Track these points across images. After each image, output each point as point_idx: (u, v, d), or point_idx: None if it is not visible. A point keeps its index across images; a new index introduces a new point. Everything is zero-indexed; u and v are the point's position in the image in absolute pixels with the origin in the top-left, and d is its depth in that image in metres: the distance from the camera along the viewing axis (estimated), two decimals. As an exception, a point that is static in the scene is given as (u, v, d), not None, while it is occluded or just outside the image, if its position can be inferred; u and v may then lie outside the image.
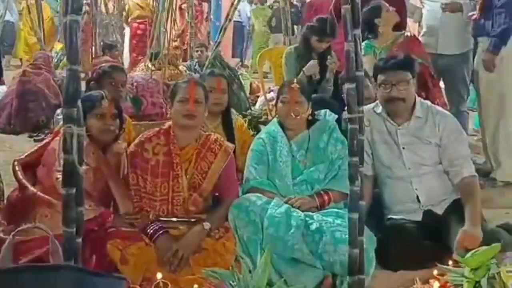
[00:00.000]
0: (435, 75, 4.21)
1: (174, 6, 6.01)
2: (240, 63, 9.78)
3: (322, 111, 3.22)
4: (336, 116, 3.18)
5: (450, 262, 2.38)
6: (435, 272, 2.34)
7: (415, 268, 2.66)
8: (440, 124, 2.91)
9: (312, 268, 2.54)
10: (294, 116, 2.95)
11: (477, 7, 4.25)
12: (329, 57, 4.15)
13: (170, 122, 2.89)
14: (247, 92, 6.99)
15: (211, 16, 9.07)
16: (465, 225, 2.66)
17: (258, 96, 7.02)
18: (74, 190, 1.62)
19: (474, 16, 4.26)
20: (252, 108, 6.02)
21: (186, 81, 2.89)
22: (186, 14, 8.45)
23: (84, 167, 2.51)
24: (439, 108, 3.07)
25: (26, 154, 2.73)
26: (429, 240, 2.81)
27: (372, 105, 3.08)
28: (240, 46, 11.12)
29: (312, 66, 4.06)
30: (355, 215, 2.02)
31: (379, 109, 3.02)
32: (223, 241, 2.61)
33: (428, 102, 3.06)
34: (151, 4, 8.40)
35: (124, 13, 9.31)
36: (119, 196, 2.68)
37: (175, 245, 2.56)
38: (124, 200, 2.69)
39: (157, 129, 2.91)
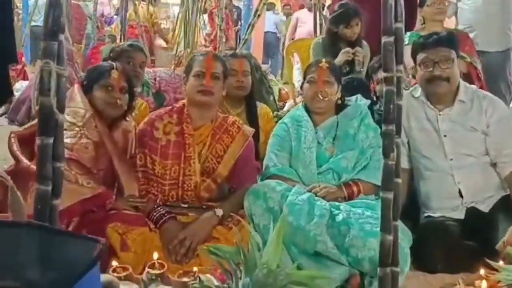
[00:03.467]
0: (483, 77, 3.86)
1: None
2: (270, 70, 9.54)
3: (354, 96, 2.91)
4: (369, 102, 2.87)
5: (501, 262, 2.03)
6: (482, 271, 1.99)
7: (455, 271, 2.32)
8: (487, 109, 2.57)
9: (337, 264, 2.21)
10: (321, 97, 2.65)
11: None
12: (357, 48, 3.84)
13: (184, 100, 2.63)
14: (276, 98, 6.77)
15: (241, 21, 8.89)
16: (515, 224, 2.31)
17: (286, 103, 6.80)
18: (51, 141, 1.35)
19: None
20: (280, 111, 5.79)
21: (203, 53, 2.63)
22: (216, 18, 8.31)
23: (84, 140, 2.34)
24: (486, 92, 2.72)
25: (24, 127, 2.50)
26: (472, 241, 2.46)
27: (410, 89, 2.76)
28: (274, 57, 10.91)
29: (343, 54, 3.74)
30: (389, 195, 1.69)
31: (418, 93, 2.69)
32: (237, 230, 2.31)
33: (474, 86, 2.72)
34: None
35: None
36: (124, 177, 2.42)
37: (182, 233, 2.29)
38: (129, 181, 2.42)
39: (170, 107, 2.65)
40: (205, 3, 5.66)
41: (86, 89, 2.46)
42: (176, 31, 5.68)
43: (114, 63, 2.54)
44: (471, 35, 4.20)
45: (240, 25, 8.87)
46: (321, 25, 6.06)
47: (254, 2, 9.13)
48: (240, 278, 1.39)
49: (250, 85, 3.12)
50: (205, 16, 8.60)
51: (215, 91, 2.51)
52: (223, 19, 8.22)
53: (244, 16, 8.62)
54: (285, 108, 6.18)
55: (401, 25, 1.67)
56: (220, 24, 7.95)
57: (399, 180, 1.75)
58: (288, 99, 6.75)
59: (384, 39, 1.66)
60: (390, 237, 1.71)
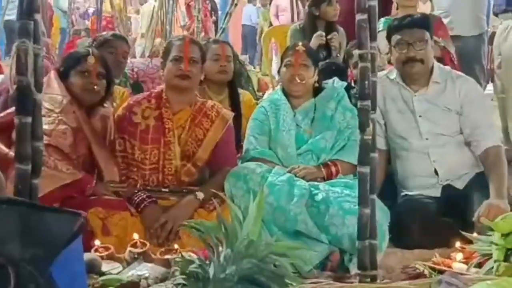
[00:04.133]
0: (457, 62, 3.91)
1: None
2: (249, 60, 9.57)
3: (330, 80, 2.95)
4: (346, 84, 2.91)
5: (475, 234, 2.08)
6: (457, 244, 2.04)
7: (433, 247, 2.37)
8: (461, 89, 2.62)
9: (317, 243, 2.25)
10: (298, 80, 2.68)
11: None
12: (333, 33, 3.88)
13: (162, 86, 2.63)
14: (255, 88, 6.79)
15: (217, 13, 8.92)
16: (490, 198, 2.37)
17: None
18: (29, 120, 1.35)
19: None
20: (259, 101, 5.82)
21: (180, 38, 2.64)
22: (193, 10, 8.27)
23: (62, 126, 2.34)
24: (460, 73, 2.78)
25: (1, 115, 2.49)
26: (448, 217, 2.52)
27: (385, 71, 2.81)
28: (252, 49, 10.94)
29: (316, 38, 3.78)
30: (366, 169, 1.74)
31: (393, 75, 2.73)
32: (218, 213, 2.32)
33: (448, 67, 2.78)
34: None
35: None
36: (103, 163, 2.42)
37: (164, 216, 2.30)
38: (109, 167, 2.43)
39: (148, 92, 2.66)
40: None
41: (63, 76, 2.45)
42: (153, 22, 5.68)
43: (90, 49, 2.53)
44: (446, 20, 4.25)
45: (216, 17, 8.88)
46: (298, 13, 6.09)
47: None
48: (222, 251, 1.41)
49: (232, 71, 3.14)
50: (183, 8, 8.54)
51: (193, 76, 2.52)
52: (200, 10, 8.18)
53: (222, 8, 8.64)
54: (265, 97, 6.22)
55: (374, 3, 1.71)
56: (197, 15, 7.92)
57: (375, 155, 1.79)
58: (267, 89, 6.78)
59: (358, 16, 1.70)
60: (367, 211, 1.76)
